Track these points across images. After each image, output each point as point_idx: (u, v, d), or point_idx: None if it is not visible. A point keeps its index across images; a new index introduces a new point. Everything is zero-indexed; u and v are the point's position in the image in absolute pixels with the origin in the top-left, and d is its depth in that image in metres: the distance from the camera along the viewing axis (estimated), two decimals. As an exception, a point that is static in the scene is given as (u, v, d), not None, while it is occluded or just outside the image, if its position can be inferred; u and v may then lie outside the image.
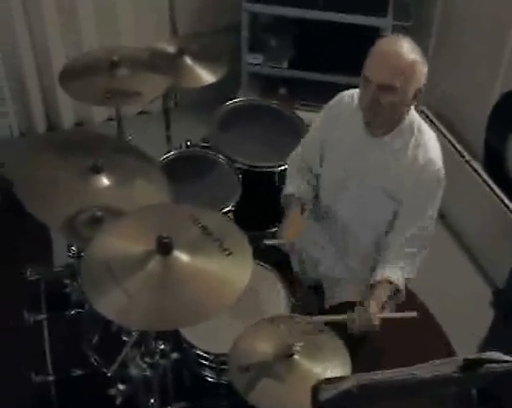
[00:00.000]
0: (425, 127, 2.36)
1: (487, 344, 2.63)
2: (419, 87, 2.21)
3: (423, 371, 1.60)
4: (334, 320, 2.25)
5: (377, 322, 2.22)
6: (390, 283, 2.32)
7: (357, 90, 2.37)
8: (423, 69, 2.19)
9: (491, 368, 1.60)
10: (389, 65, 2.16)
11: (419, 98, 2.24)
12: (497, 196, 3.34)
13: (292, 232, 2.39)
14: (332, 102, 2.52)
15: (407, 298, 2.54)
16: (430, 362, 1.60)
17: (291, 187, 2.55)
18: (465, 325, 3.14)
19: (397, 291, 2.35)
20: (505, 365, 1.60)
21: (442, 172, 2.33)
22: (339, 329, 2.19)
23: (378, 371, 1.61)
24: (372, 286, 2.33)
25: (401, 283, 2.34)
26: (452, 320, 3.26)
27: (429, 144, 2.33)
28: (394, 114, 2.26)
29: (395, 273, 2.33)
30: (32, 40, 3.88)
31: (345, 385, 1.61)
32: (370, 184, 2.38)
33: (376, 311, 2.22)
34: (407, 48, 2.17)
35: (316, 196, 2.56)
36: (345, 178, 2.43)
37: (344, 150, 2.42)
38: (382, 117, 2.25)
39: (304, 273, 2.67)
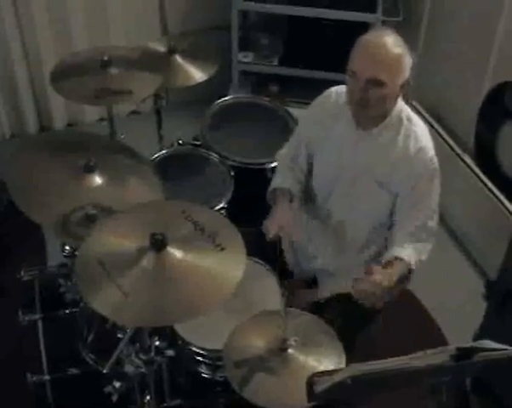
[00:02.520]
0: (415, 117, 2.37)
1: (480, 336, 2.64)
2: (406, 79, 2.23)
3: (416, 360, 1.61)
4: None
5: (381, 291, 2.06)
6: (401, 260, 2.24)
7: (342, 86, 2.38)
8: (408, 61, 2.21)
9: (483, 356, 1.62)
10: (377, 59, 2.17)
11: (407, 89, 2.25)
12: (489, 189, 3.36)
13: (282, 222, 2.34)
14: (317, 100, 2.52)
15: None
16: (423, 351, 1.62)
17: (279, 180, 2.54)
18: (458, 317, 3.16)
19: (409, 271, 2.27)
20: (497, 353, 1.62)
21: (435, 160, 2.32)
22: (333, 322, 2.20)
23: (371, 362, 1.63)
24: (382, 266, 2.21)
25: (412, 260, 2.26)
26: (444, 312, 3.28)
27: (420, 134, 2.33)
28: (383, 106, 2.27)
29: (404, 251, 2.27)
30: (23, 41, 3.88)
31: (339, 376, 1.62)
32: (362, 179, 2.38)
33: (381, 279, 2.06)
34: (393, 42, 2.19)
35: (310, 194, 2.57)
36: (337, 173, 2.43)
37: (334, 146, 2.42)
38: (371, 111, 2.26)
39: (298, 267, 2.68)
